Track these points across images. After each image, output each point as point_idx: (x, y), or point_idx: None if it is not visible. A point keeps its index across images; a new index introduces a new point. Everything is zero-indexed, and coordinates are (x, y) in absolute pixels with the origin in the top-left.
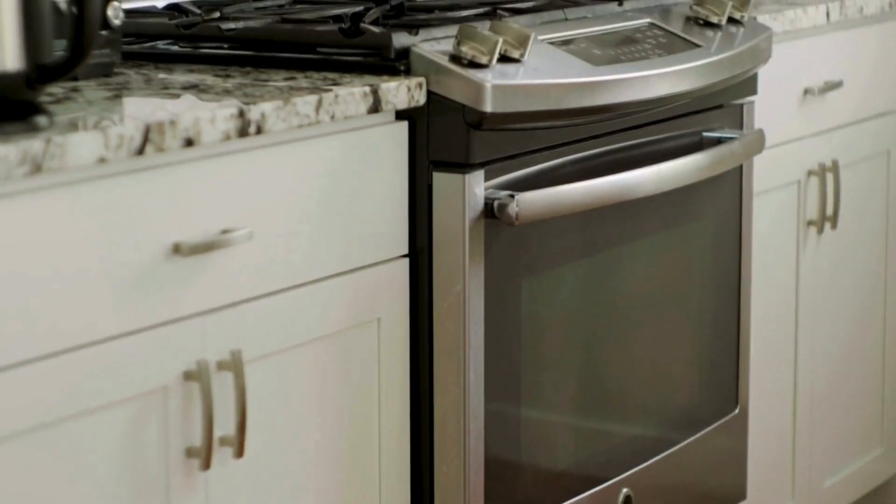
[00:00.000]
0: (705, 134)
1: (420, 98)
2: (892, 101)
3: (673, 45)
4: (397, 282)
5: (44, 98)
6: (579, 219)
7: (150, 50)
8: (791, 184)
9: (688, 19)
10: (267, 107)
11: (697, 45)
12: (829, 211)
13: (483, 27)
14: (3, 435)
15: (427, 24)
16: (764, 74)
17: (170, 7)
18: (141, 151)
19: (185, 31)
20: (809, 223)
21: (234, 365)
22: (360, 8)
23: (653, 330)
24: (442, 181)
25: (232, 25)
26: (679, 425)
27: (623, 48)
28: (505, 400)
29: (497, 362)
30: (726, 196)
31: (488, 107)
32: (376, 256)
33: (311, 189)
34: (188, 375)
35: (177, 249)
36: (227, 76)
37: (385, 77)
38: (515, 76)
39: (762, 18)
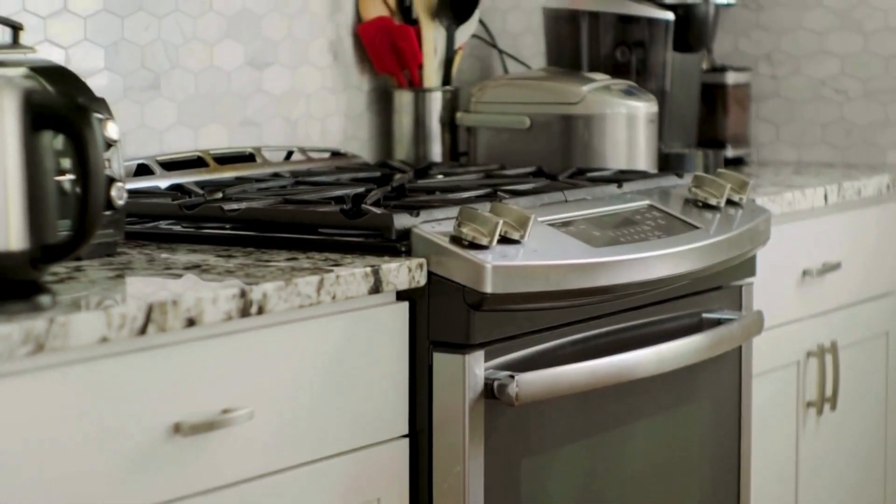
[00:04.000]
0: (705, 315)
1: (421, 279)
2: (890, 283)
3: (672, 227)
4: (397, 462)
5: (47, 277)
6: (579, 399)
7: (152, 230)
8: (790, 365)
9: (687, 201)
10: (269, 287)
11: (696, 227)
12: (829, 392)
13: (483, 209)
14: None
15: (428, 206)
16: (763, 256)
17: (173, 187)
18: (143, 331)
19: (188, 212)
20: (809, 404)
21: None
22: (362, 189)
23: None
24: (442, 361)
25: (234, 206)
26: None
27: (622, 230)
28: None
29: None
30: (726, 377)
31: (488, 288)
32: (376, 436)
33: (311, 369)
34: None
35: (177, 429)
36: (230, 256)
37: (386, 258)
38: (515, 257)
39: (761, 200)
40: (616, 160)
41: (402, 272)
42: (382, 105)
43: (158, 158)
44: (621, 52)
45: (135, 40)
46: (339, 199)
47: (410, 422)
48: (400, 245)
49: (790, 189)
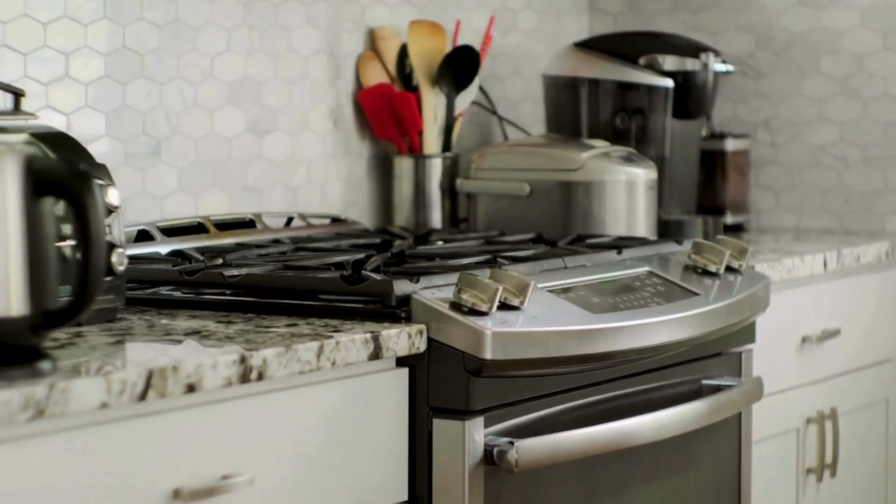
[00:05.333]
0: (704, 381)
1: (420, 345)
2: (889, 349)
3: (671, 294)
4: None
5: (47, 343)
6: (579, 465)
7: (153, 296)
8: (790, 431)
9: (686, 268)
10: (269, 353)
11: (696, 294)
12: (829, 459)
13: (483, 275)
14: None
15: (428, 272)
16: (762, 322)
17: (173, 253)
18: (143, 397)
19: (189, 278)
20: (809, 471)
21: None
22: (362, 255)
23: None
24: (442, 428)
25: (234, 272)
26: None
27: (622, 296)
28: None
29: None
30: (725, 443)
31: (488, 354)
32: (376, 502)
33: (311, 435)
34: None
35: (177, 495)
36: (230, 322)
37: (386, 324)
38: (515, 324)
39: (760, 267)
40: (616, 226)
41: (401, 338)
42: (382, 171)
43: (159, 224)
44: (621, 118)
45: (136, 106)
46: (339, 266)
47: (410, 488)
48: (400, 311)
49: (789, 256)
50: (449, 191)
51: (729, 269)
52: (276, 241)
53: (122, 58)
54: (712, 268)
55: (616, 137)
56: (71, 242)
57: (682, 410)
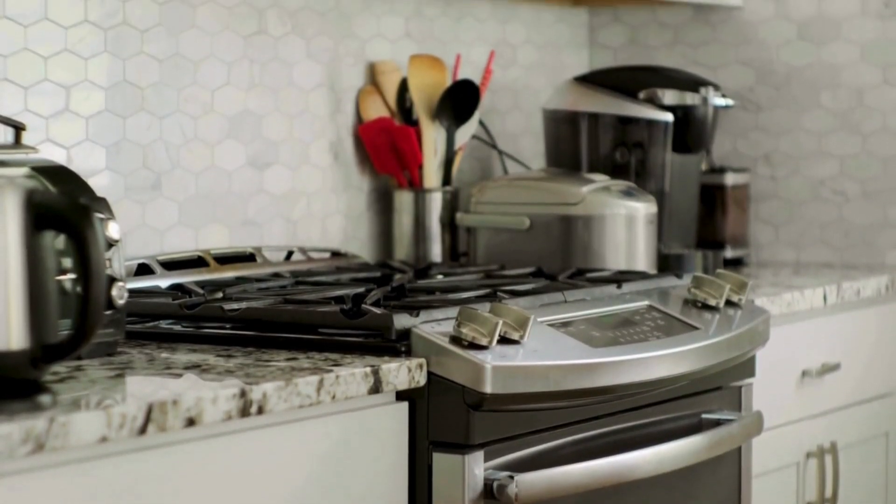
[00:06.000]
0: (704, 415)
1: (420, 379)
2: (890, 383)
3: (671, 328)
4: None
5: (48, 377)
6: (579, 499)
7: (153, 329)
8: (790, 465)
9: (686, 302)
10: (268, 387)
11: (695, 328)
12: (829, 493)
13: (483, 309)
14: None
15: (428, 306)
16: (762, 356)
17: (173, 287)
18: (143, 431)
19: (189, 311)
20: None
21: None
22: (362, 289)
23: None
24: (442, 462)
25: (235, 306)
26: None
27: (622, 330)
28: None
29: None
30: (725, 477)
31: (488, 388)
32: None
33: (311, 468)
34: None
35: None
36: (230, 356)
37: (386, 358)
38: (515, 358)
39: (760, 301)
40: (615, 261)
41: (401, 372)
42: (383, 205)
43: (159, 258)
44: (621, 153)
45: (136, 140)
46: (339, 300)
47: None
48: (400, 345)
49: (789, 290)
50: (449, 225)
51: (729, 303)
52: (277, 275)
53: (122, 92)
54: (712, 302)
55: (616, 171)
56: (71, 276)
57: (681, 444)
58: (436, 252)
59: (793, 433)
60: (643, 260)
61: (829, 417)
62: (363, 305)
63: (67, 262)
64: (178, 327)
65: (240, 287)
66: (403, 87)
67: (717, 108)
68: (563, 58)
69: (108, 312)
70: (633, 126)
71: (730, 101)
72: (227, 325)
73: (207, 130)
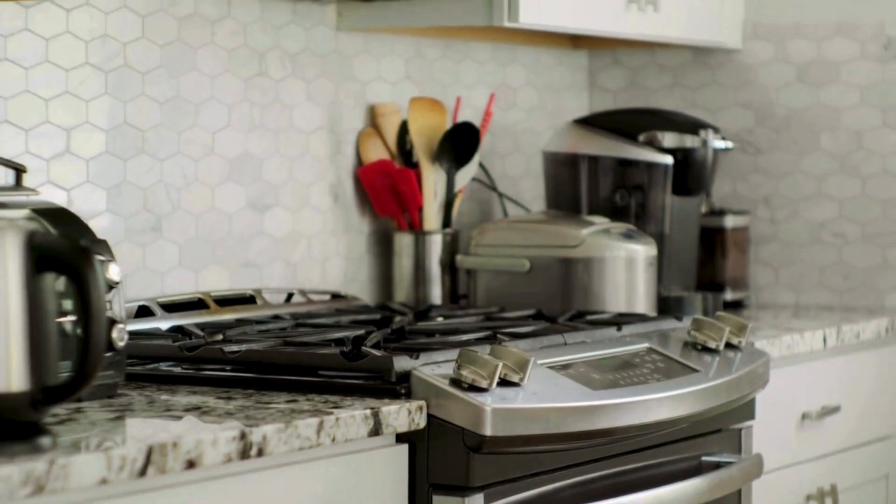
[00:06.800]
0: (704, 458)
1: (420, 421)
2: (889, 426)
3: (671, 370)
4: None
5: (48, 419)
6: None
7: (153, 371)
8: None
9: (686, 344)
10: (268, 429)
11: (695, 370)
12: None
13: (483, 351)
14: None
15: (428, 348)
16: (762, 399)
17: (173, 329)
18: (143, 473)
19: (189, 353)
20: None
21: None
22: (362, 331)
23: None
24: None
25: (235, 348)
26: None
27: (622, 373)
28: None
29: None
30: None
31: (488, 430)
32: None
33: None
34: None
35: None
36: (230, 398)
37: (386, 400)
38: (515, 400)
39: (760, 343)
40: (615, 303)
41: (401, 414)
42: (383, 247)
43: (159, 300)
44: (620, 195)
45: (137, 182)
46: (339, 342)
47: None
48: (400, 387)
49: (789, 332)
50: (449, 267)
51: (729, 345)
52: (277, 317)
53: (123, 134)
54: (712, 344)
55: (616, 214)
56: (72, 318)
57: (682, 487)
58: (436, 294)
59: (793, 476)
60: (643, 302)
61: (829, 460)
62: (363, 348)
63: (68, 304)
64: (178, 369)
65: (240, 329)
66: (403, 130)
67: (716, 151)
68: (563, 100)
69: (109, 354)
70: (633, 168)
71: (729, 144)
72: (228, 367)
73: (208, 172)
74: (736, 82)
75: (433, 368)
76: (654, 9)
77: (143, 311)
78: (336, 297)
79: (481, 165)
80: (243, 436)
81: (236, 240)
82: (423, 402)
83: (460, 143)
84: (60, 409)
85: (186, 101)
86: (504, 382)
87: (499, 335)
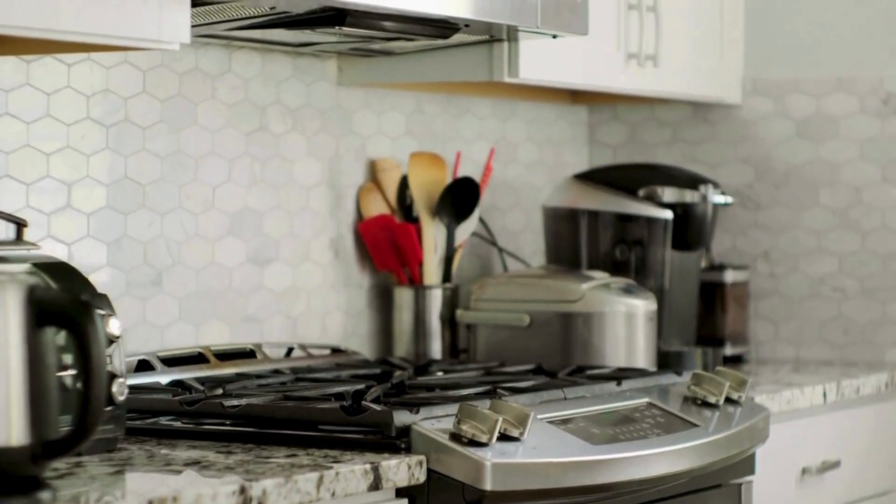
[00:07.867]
0: None
1: (420, 476)
2: (890, 481)
3: (671, 425)
4: None
5: (48, 473)
6: None
7: (153, 426)
8: None
9: (685, 399)
10: (268, 483)
11: (695, 425)
12: None
13: (483, 406)
14: None
15: (428, 403)
16: (762, 454)
17: (173, 383)
18: None
19: (189, 408)
20: None
21: None
22: (362, 386)
23: None
24: None
25: (235, 402)
26: None
27: (621, 427)
28: None
29: None
30: None
31: (488, 485)
32: None
33: None
34: None
35: None
36: (230, 452)
37: (386, 454)
38: (515, 455)
39: (759, 398)
40: (615, 358)
41: (401, 469)
42: (383, 302)
43: (159, 354)
44: (620, 250)
45: (137, 237)
46: (339, 396)
47: None
48: (400, 442)
49: (789, 387)
50: (449, 321)
51: (728, 400)
52: (277, 372)
53: (123, 188)
54: (712, 399)
55: (616, 269)
56: (72, 372)
57: None
58: (436, 349)
59: None
60: (643, 357)
61: None
62: (363, 402)
63: (68, 358)
64: (178, 423)
65: (240, 383)
66: (404, 185)
67: (716, 206)
68: (562, 155)
69: (109, 409)
70: (633, 223)
71: (729, 199)
72: (228, 422)
73: (208, 227)
74: (735, 137)
75: (433, 423)
76: (653, 64)
77: (144, 366)
78: (336, 351)
79: (481, 220)
80: (243, 490)
81: (236, 294)
82: (423, 457)
83: (460, 197)
84: (60, 464)
85: (187, 156)
86: (504, 437)
87: (499, 390)
